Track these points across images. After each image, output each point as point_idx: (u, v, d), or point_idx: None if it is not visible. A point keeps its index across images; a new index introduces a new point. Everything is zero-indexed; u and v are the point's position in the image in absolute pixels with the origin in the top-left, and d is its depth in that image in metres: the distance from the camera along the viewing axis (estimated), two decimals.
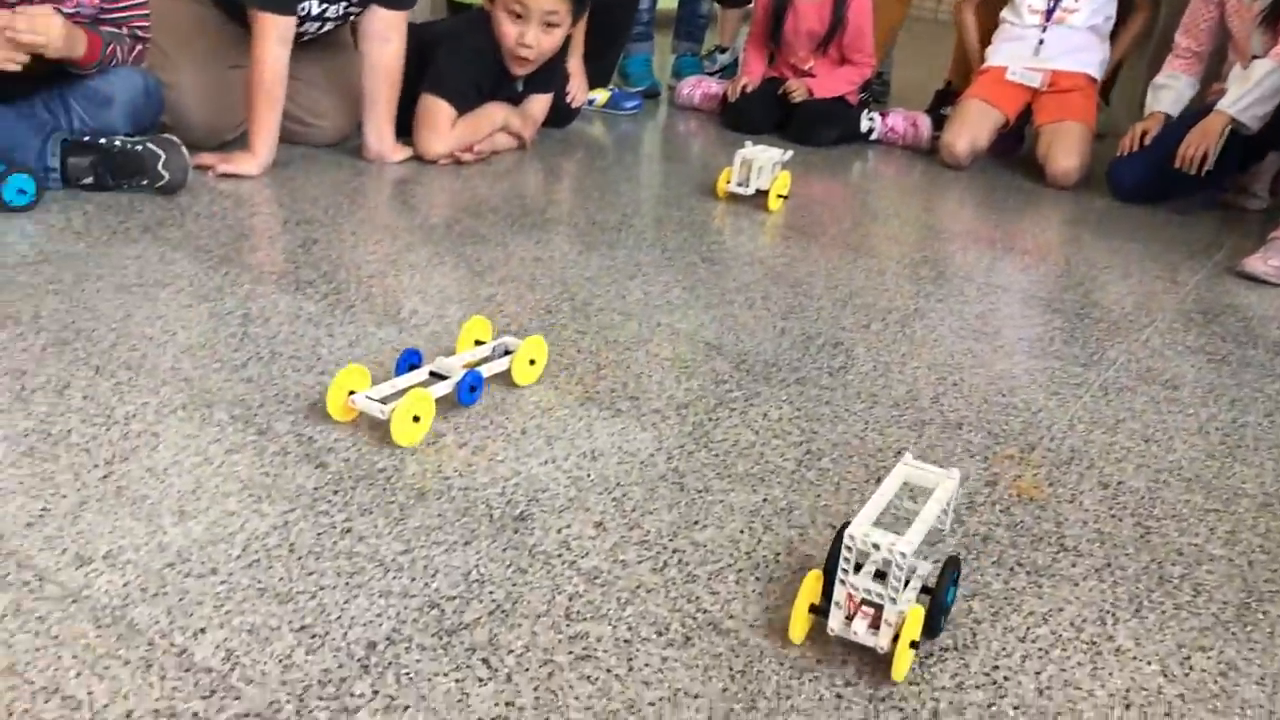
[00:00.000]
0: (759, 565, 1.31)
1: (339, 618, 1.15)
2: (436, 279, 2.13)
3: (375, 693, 1.05)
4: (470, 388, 1.61)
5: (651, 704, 1.07)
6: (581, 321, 1.99)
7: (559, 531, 1.34)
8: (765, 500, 1.45)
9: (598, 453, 1.53)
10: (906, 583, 1.15)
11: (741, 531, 1.38)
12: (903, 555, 1.08)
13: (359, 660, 1.09)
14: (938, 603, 1.16)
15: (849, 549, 1.11)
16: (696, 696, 1.08)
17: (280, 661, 1.08)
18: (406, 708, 1.03)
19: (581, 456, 1.52)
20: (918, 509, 1.24)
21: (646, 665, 1.12)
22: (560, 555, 1.29)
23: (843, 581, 1.12)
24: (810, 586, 1.15)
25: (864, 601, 1.13)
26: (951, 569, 1.18)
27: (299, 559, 1.24)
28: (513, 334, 1.90)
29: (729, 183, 2.87)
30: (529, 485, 1.43)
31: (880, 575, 1.14)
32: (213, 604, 1.15)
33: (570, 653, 1.13)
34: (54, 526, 1.25)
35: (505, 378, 1.70)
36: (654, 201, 2.91)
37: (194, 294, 1.93)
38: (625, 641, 1.15)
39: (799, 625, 1.15)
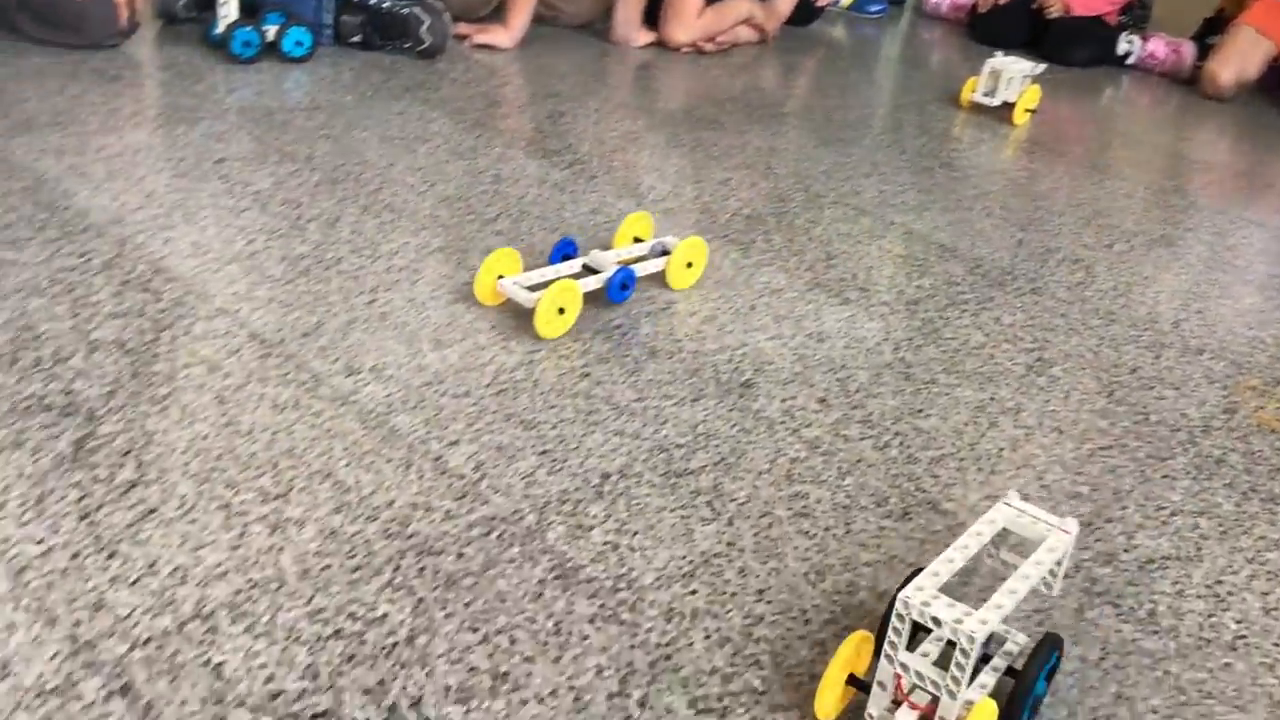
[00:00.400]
0: (981, 458, 1.32)
1: (576, 448, 1.22)
2: (674, 159, 2.18)
3: (608, 516, 1.12)
4: (622, 285, 1.53)
5: (867, 565, 1.10)
6: (814, 212, 2.00)
7: (783, 401, 1.38)
8: (992, 399, 1.45)
9: (824, 335, 1.56)
10: (981, 665, 0.90)
11: (966, 424, 1.38)
12: (970, 639, 0.81)
13: (594, 486, 1.16)
14: (1022, 693, 0.87)
15: (901, 618, 0.84)
16: (911, 565, 1.11)
17: (523, 478, 1.16)
18: (635, 533, 1.10)
19: (808, 337, 1.55)
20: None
21: (864, 530, 1.16)
22: (784, 423, 1.33)
23: (889, 658, 0.85)
24: (851, 651, 0.89)
25: (916, 688, 0.87)
26: (1048, 650, 0.90)
27: (542, 393, 1.32)
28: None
29: (974, 92, 2.79)
30: (755, 357, 1.47)
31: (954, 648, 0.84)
32: (465, 421, 1.24)
33: (790, 509, 1.17)
34: (327, 339, 1.37)
35: (660, 280, 1.62)
36: (893, 105, 2.86)
37: (450, 151, 2.03)
38: (844, 507, 1.19)
39: (829, 699, 0.89)
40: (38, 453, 1.09)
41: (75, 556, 0.97)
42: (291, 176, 1.82)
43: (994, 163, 2.46)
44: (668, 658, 0.95)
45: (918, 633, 0.87)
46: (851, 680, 0.89)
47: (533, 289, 1.47)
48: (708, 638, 0.98)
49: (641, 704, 0.90)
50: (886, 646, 0.85)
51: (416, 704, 0.87)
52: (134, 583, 0.95)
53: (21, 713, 0.82)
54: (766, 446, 1.28)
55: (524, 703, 0.89)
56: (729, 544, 1.11)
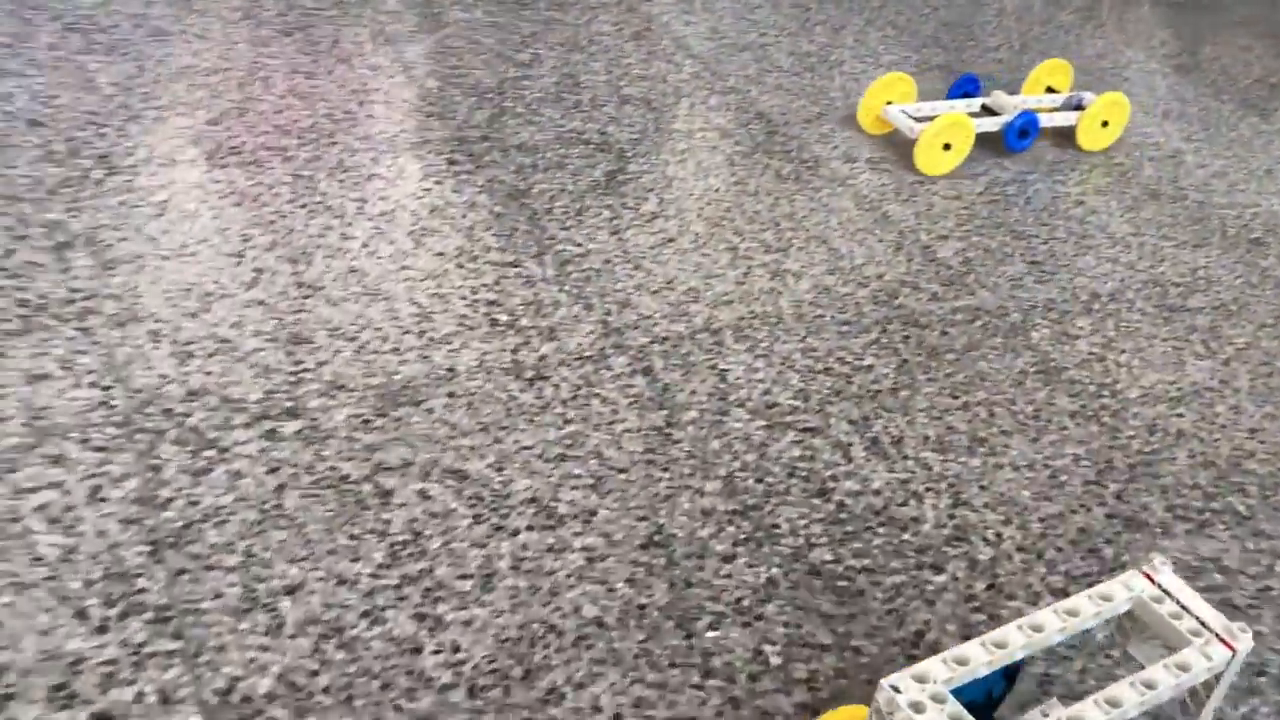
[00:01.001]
0: None
1: (1067, 265, 1.20)
2: (1189, 15, 2.01)
3: (1095, 330, 1.10)
4: (1021, 132, 1.38)
5: None
6: None
7: None
8: None
9: None
10: None
11: None
12: None
13: (1083, 302, 1.14)
14: None
15: (882, 717, 0.56)
16: None
17: (1010, 280, 1.16)
18: (1123, 351, 1.08)
19: None
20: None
21: None
22: None
23: None
24: None
25: None
26: None
27: (1034, 211, 1.30)
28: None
29: None
30: (1269, 218, 1.37)
31: None
32: (956, 220, 1.25)
33: None
34: (828, 127, 1.41)
35: (1070, 137, 1.47)
36: None
37: None
38: None
39: None
40: (577, 175, 1.22)
41: (607, 262, 1.09)
42: None
43: None
44: (1148, 464, 0.94)
45: None
46: None
47: (920, 120, 1.38)
48: (1191, 457, 0.95)
49: (1118, 496, 0.90)
50: None
51: (897, 443, 0.92)
52: (655, 292, 1.06)
53: (564, 369, 0.94)
54: (1273, 303, 1.20)
55: (999, 467, 0.91)
56: (1223, 381, 1.06)
